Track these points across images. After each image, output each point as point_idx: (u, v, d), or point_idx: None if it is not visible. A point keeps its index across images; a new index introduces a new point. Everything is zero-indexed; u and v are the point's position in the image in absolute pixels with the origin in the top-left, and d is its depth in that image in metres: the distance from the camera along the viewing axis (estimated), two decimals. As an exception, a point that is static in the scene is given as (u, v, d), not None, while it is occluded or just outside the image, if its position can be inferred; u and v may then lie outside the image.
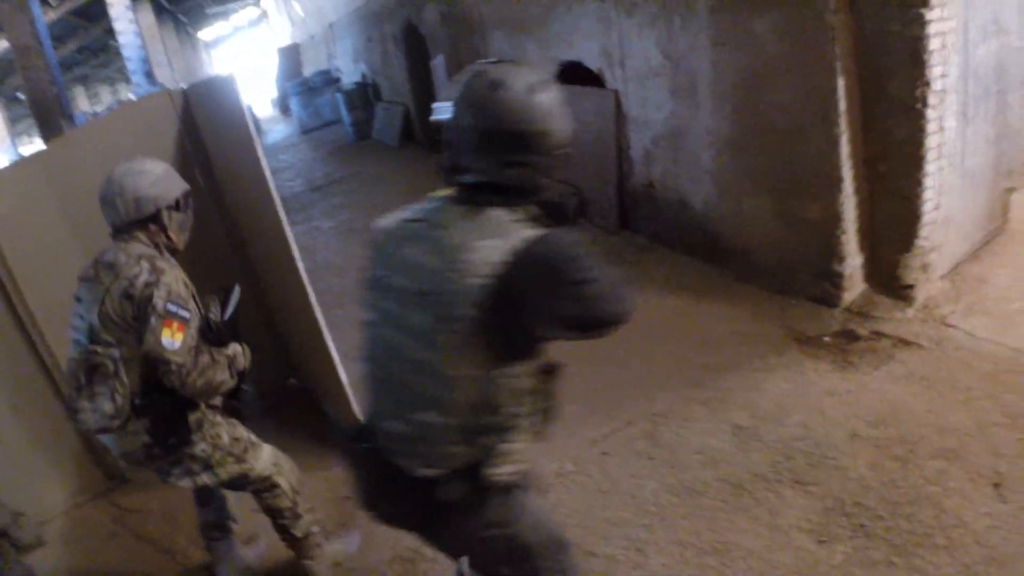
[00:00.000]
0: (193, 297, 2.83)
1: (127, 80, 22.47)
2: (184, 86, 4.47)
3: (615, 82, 6.44)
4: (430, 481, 1.87)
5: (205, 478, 2.94)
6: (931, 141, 4.33)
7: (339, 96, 14.09)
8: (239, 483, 3.06)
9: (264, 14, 23.04)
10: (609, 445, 3.98)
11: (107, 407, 2.63)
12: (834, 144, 4.53)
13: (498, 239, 1.74)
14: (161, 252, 2.82)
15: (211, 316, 2.88)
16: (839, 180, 4.57)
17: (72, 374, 2.69)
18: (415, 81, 11.47)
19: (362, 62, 14.09)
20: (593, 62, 6.69)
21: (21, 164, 4.27)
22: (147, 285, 2.63)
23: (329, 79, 15.88)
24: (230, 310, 2.94)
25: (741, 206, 5.39)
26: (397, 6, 11.21)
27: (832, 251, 4.73)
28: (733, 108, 5.20)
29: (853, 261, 4.74)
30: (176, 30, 21.67)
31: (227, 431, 2.98)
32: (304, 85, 16.17)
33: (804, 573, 2.97)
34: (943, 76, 4.27)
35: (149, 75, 14.58)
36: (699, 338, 4.85)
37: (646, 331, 5.05)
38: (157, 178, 2.80)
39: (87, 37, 20.98)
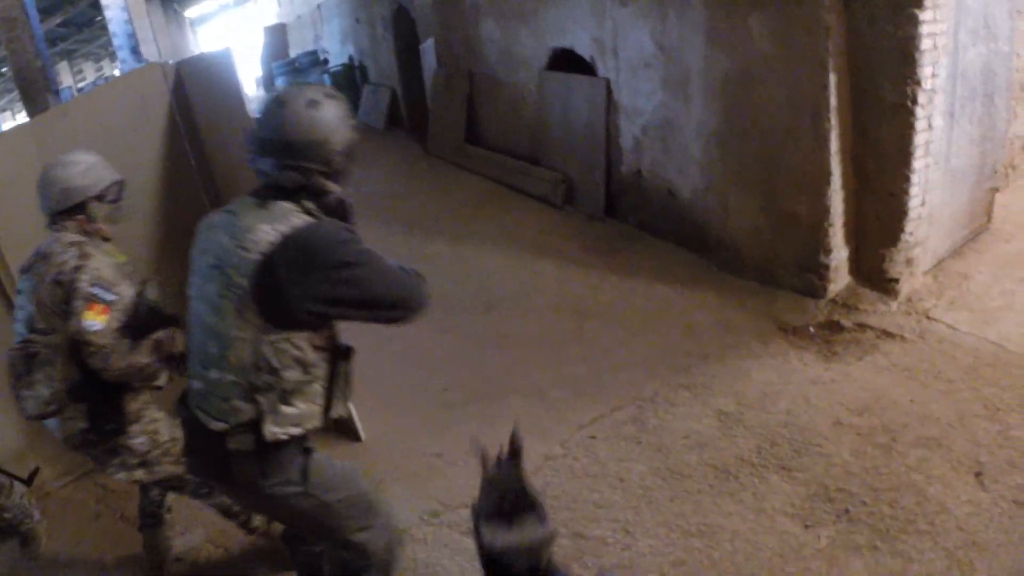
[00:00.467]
0: (131, 281, 2.86)
1: (111, 56, 22.15)
2: (176, 61, 4.44)
3: (607, 71, 6.46)
4: (221, 435, 2.13)
5: (140, 474, 2.97)
6: (919, 139, 4.41)
7: (326, 77, 13.92)
8: (176, 484, 3.09)
9: (251, -8, 22.79)
10: (597, 429, 4.02)
11: (44, 393, 2.69)
12: (823, 140, 4.59)
13: (277, 224, 2.05)
14: (93, 240, 2.86)
15: (147, 297, 2.89)
16: (827, 175, 4.63)
17: (11, 363, 2.73)
18: (403, 65, 11.39)
19: (350, 44, 13.97)
20: (585, 50, 6.70)
21: (11, 134, 4.23)
22: (74, 269, 2.70)
23: (316, 60, 15.68)
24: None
25: (729, 198, 5.44)
26: (387, -12, 11.14)
27: (818, 244, 4.80)
28: (724, 101, 5.24)
29: (839, 254, 4.81)
30: (163, 6, 21.37)
31: (167, 429, 2.98)
32: (290, 65, 15.94)
33: (789, 556, 3.03)
34: (933, 76, 4.34)
35: (135, 51, 14.36)
36: (685, 326, 4.91)
37: (632, 318, 5.11)
38: (84, 169, 2.86)
39: (72, 11, 20.64)
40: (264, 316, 2.04)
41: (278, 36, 18.83)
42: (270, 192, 2.14)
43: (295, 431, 2.15)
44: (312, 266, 2.02)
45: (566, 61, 7.06)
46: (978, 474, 3.27)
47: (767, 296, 5.05)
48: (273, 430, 2.11)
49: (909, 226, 4.58)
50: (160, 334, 2.85)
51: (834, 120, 4.53)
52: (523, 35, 7.59)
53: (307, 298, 2.02)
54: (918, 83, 4.27)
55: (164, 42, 19.09)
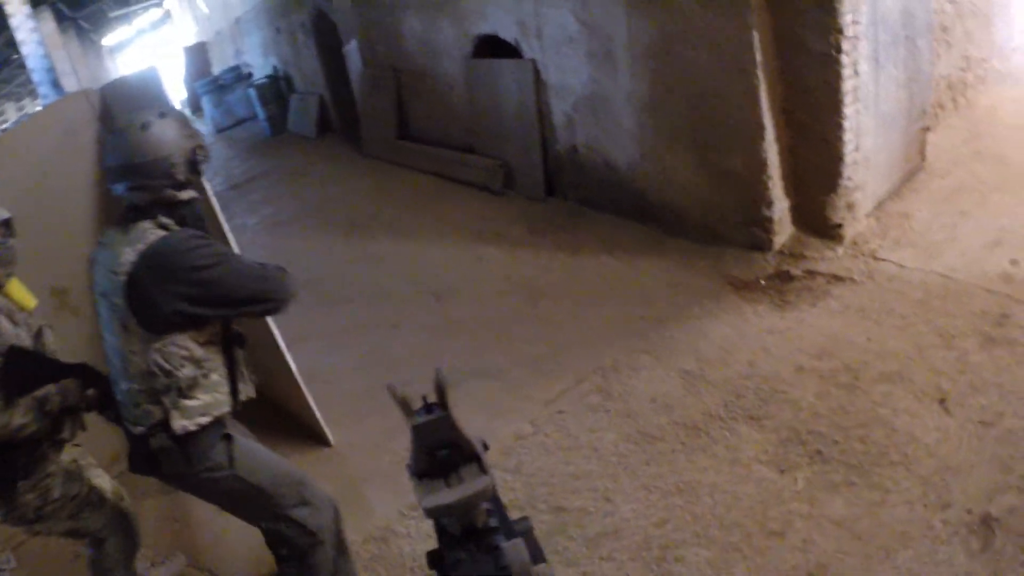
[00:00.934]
0: (26, 328, 2.65)
1: (32, 95, 21.47)
2: (100, 87, 4.28)
3: (532, 51, 6.43)
4: (143, 437, 2.38)
5: (38, 527, 2.79)
6: (847, 86, 4.45)
7: (251, 91, 13.67)
8: (76, 536, 2.94)
9: (167, 14, 22.23)
10: (563, 404, 4.00)
11: None
12: (753, 95, 4.61)
13: (136, 244, 2.28)
14: None
15: (45, 343, 2.71)
16: (761, 129, 4.66)
17: None
18: (328, 70, 11.24)
19: (272, 55, 13.75)
20: (509, 33, 6.66)
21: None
22: None
23: (240, 75, 15.41)
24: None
25: (666, 163, 5.45)
26: (304, -6, 10.98)
27: (759, 198, 4.83)
28: (651, 69, 5.24)
29: (781, 206, 4.85)
30: (79, 37, 20.77)
31: (61, 485, 2.76)
32: (214, 83, 15.64)
33: (769, 502, 3.04)
34: (854, 23, 4.38)
35: (55, 84, 13.93)
36: (638, 294, 4.92)
37: (584, 293, 5.11)
38: None
39: (-13, 53, 19.96)
40: (144, 326, 2.28)
41: (199, 55, 18.45)
42: (130, 213, 2.37)
43: (204, 420, 2.38)
44: (169, 274, 2.25)
45: (491, 47, 7.01)
46: (942, 401, 3.32)
47: (715, 255, 5.08)
48: (182, 423, 2.33)
49: (846, 171, 4.63)
50: (44, 390, 2.57)
51: (761, 75, 4.56)
52: (445, 25, 7.53)
53: (171, 303, 2.24)
54: (840, 31, 4.31)
55: (84, 72, 18.58)
